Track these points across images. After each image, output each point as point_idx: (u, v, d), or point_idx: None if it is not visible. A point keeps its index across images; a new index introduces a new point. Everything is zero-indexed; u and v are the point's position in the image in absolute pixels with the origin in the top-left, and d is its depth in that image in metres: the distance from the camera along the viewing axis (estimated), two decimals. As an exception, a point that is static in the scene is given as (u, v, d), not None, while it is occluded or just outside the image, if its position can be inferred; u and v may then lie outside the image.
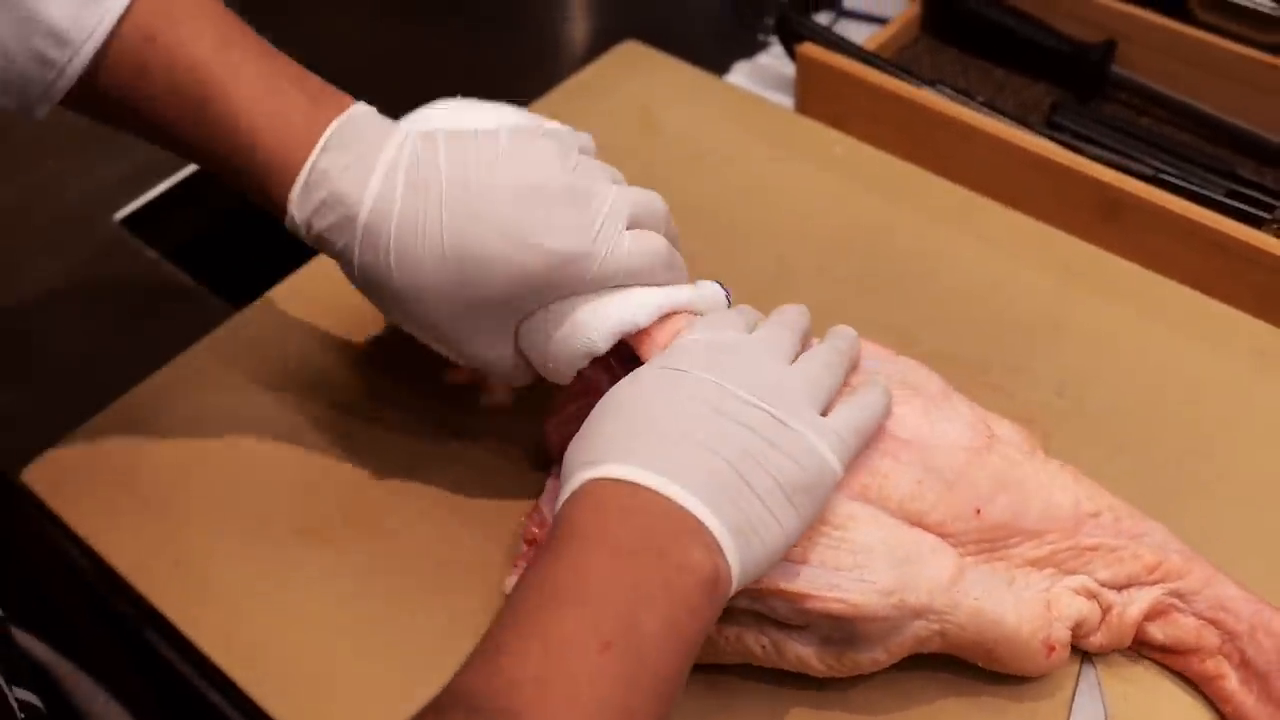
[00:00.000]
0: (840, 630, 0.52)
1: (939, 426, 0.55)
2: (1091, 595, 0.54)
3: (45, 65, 0.52)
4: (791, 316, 0.57)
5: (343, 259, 0.55)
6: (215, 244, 0.92)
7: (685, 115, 0.85)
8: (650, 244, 0.54)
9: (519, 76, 0.97)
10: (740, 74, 0.96)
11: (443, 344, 0.57)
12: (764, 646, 0.53)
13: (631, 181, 0.57)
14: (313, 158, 0.53)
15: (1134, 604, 0.54)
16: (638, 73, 0.88)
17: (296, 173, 0.53)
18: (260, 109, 0.53)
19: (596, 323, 0.54)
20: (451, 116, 0.56)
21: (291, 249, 0.76)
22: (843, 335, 0.57)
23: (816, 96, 0.85)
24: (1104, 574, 0.54)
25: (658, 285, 0.55)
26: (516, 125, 0.55)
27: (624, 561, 0.44)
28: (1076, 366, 0.68)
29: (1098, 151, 0.79)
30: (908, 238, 0.76)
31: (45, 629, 0.64)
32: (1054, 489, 0.54)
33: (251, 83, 0.53)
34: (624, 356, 0.56)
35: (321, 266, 0.76)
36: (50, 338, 0.77)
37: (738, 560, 0.46)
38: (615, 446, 0.48)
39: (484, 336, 0.55)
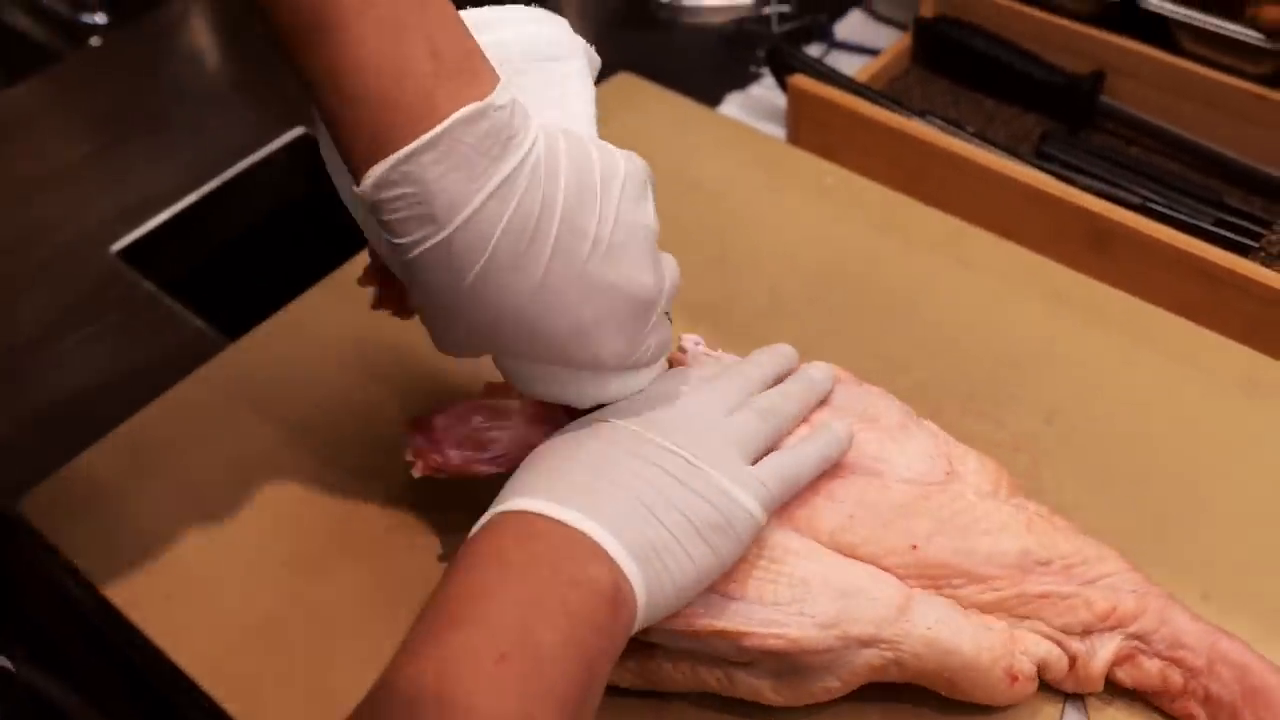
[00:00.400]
0: (785, 664, 0.52)
1: (890, 460, 0.55)
2: (1057, 641, 0.53)
3: None
4: (764, 360, 0.58)
5: (392, 244, 0.47)
6: (211, 276, 0.92)
7: (678, 146, 0.85)
8: (666, 341, 0.54)
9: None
10: (732, 105, 0.97)
11: (424, 322, 0.53)
12: (718, 679, 0.53)
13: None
14: (411, 147, 0.44)
15: (1098, 654, 0.53)
16: (631, 104, 0.89)
17: (388, 153, 0.44)
18: (375, 64, 0.44)
19: (588, 390, 0.54)
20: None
21: (286, 282, 0.77)
22: (802, 378, 0.57)
23: (808, 127, 0.86)
24: (1056, 622, 0.53)
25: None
26: (630, 171, 0.50)
27: (517, 576, 0.45)
28: (1066, 395, 0.68)
29: (1087, 181, 0.79)
30: (898, 267, 0.76)
31: (42, 659, 0.64)
32: (1002, 535, 0.54)
33: (379, 28, 0.44)
34: None
35: (316, 299, 0.76)
36: (47, 369, 0.78)
37: (642, 585, 0.47)
38: (524, 486, 0.49)
39: (471, 351, 0.53)
